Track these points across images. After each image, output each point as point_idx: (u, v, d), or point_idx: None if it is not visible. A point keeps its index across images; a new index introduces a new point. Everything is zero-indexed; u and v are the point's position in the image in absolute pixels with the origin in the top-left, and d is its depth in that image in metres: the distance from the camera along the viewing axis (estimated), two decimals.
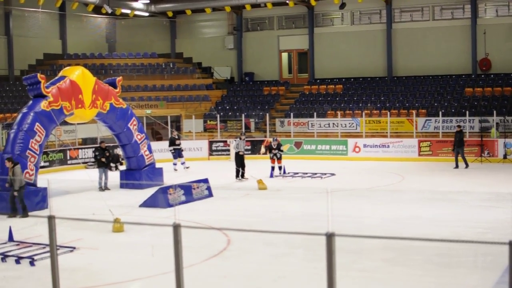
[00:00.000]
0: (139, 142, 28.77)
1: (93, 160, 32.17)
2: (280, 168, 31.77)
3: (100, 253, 16.25)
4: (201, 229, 18.51)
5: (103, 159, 28.16)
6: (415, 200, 23.76)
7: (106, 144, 29.46)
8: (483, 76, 45.94)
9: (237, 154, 30.60)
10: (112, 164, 31.93)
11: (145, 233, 17.98)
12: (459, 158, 33.81)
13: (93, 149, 30.17)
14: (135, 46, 54.88)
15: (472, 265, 14.32)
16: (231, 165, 31.49)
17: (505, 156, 36.14)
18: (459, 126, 35.22)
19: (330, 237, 6.92)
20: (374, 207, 22.50)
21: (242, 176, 30.07)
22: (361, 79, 48.76)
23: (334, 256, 6.97)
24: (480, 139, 36.41)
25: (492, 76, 45.59)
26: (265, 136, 40.98)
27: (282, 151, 32.34)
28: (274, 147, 31.76)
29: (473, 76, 46.04)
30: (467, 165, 33.55)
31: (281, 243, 16.45)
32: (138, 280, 13.96)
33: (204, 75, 52.90)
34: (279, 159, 31.74)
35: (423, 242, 15.85)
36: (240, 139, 31.06)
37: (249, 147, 40.55)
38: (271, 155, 31.75)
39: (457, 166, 33.61)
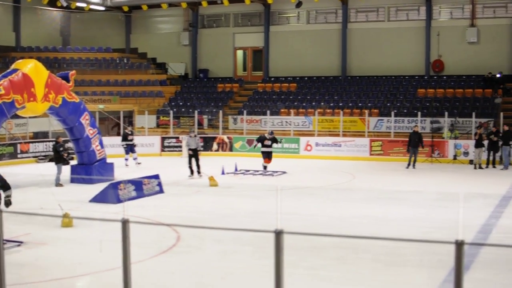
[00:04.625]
0: (90, 137, 28.58)
1: (49, 154, 31.87)
2: (265, 167, 31.80)
3: (48, 248, 16.12)
4: (151, 225, 18.47)
5: (65, 155, 27.94)
6: (365, 199, 23.94)
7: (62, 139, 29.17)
8: (435, 77, 46.45)
9: (190, 150, 30.41)
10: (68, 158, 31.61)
11: (94, 229, 17.87)
12: (412, 158, 34.17)
13: (53, 143, 29.80)
14: (89, 40, 54.52)
15: (420, 264, 14.45)
16: (183, 161, 31.44)
17: (455, 157, 36.57)
18: (416, 127, 35.51)
19: (278, 234, 6.95)
20: (324, 205, 22.64)
21: (199, 173, 29.94)
22: (315, 78, 48.98)
23: (282, 254, 7.01)
24: (431, 139, 36.75)
25: (444, 77, 46.11)
26: (218, 133, 41.02)
27: (279, 142, 32.58)
28: (268, 138, 31.83)
29: (426, 77, 46.51)
30: (414, 166, 33.89)
31: (230, 240, 16.47)
32: (86, 275, 13.88)
33: (159, 70, 52.79)
34: (270, 158, 31.71)
35: (371, 240, 16.01)
36: (190, 136, 30.95)
37: (202, 144, 40.50)
38: (266, 150, 31.78)
39: (409, 166, 33.93)
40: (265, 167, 31.94)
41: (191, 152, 30.10)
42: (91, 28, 55.52)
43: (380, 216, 20.32)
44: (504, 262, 14.57)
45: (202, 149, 31.62)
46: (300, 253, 14.80)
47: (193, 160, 30.03)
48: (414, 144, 34.17)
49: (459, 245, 6.35)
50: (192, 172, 29.96)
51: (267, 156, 32.02)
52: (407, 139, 35.34)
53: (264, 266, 13.62)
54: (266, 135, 32.46)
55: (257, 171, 32.10)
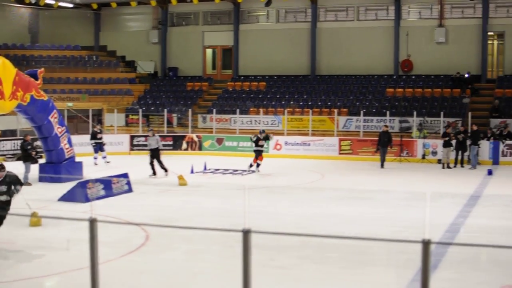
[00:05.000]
0: (59, 135, 28.40)
1: (17, 153, 31.63)
2: (258, 165, 31.83)
3: (16, 247, 16.03)
4: (119, 224, 18.41)
5: (33, 153, 27.75)
6: (333, 198, 24.01)
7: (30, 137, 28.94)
8: (404, 77, 46.71)
9: (150, 151, 30.20)
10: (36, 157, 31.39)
11: (63, 228, 17.78)
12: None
13: (21, 142, 29.54)
14: (58, 38, 54.19)
15: (388, 263, 14.53)
16: (162, 161, 31.22)
17: (423, 156, 36.79)
18: (386, 126, 35.66)
19: (246, 233, 6.95)
20: (293, 204, 22.69)
21: (166, 171, 29.80)
22: (284, 77, 49.05)
23: (249, 253, 7.01)
24: (400, 139, 36.92)
25: (413, 77, 46.41)
26: (187, 132, 40.98)
27: (270, 139, 32.59)
28: (262, 138, 31.82)
29: (394, 77, 46.77)
30: (382, 166, 34.08)
31: (199, 239, 16.46)
32: (54, 275, 13.81)
33: (128, 69, 52.65)
34: (261, 156, 31.78)
35: (339, 239, 16.07)
36: (149, 136, 30.79)
37: (171, 142, 40.48)
38: (259, 149, 31.75)
39: (383, 165, 34.13)
40: (258, 165, 31.83)
41: (151, 153, 29.93)
42: (60, 26, 55.17)
43: (348, 215, 20.39)
44: (472, 261, 14.69)
45: (162, 147, 31.46)
46: (269, 252, 14.83)
47: (155, 160, 29.88)
48: (383, 143, 34.33)
49: (426, 244, 6.40)
50: (154, 172, 29.77)
51: (260, 154, 31.95)
52: (377, 138, 35.51)
53: (232, 265, 13.59)
54: (258, 135, 32.41)
55: (227, 170, 32.11)
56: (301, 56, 49.53)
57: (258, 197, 23.71)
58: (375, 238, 16.07)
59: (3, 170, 15.65)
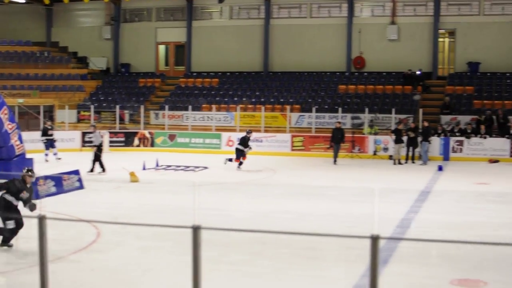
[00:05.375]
0: (9, 131, 28.02)
1: None
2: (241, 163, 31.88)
3: None
4: (70, 221, 18.25)
5: None
6: (285, 194, 24.08)
7: None
8: (356, 74, 46.96)
9: (94, 147, 29.99)
10: None
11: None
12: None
13: None
14: (9, 33, 53.55)
15: (339, 258, 14.59)
16: (104, 157, 31.00)
17: (375, 153, 37.05)
18: (339, 123, 35.81)
19: (196, 230, 6.93)
20: (244, 200, 22.70)
21: (103, 169, 29.50)
22: (237, 73, 49.03)
23: (199, 249, 6.99)
24: (351, 135, 37.11)
25: (365, 74, 46.67)
26: (139, 128, 40.82)
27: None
28: (251, 138, 32.19)
29: (347, 74, 47.00)
30: (335, 162, 34.25)
31: (150, 236, 16.39)
32: (2, 273, 13.65)
33: (80, 65, 52.22)
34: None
35: (291, 235, 16.11)
36: (93, 132, 30.53)
37: (123, 139, 40.28)
38: (247, 149, 31.85)
39: (336, 162, 34.28)
40: (241, 163, 31.83)
41: (95, 149, 29.72)
42: (11, 21, 54.55)
43: (300, 211, 20.45)
44: (422, 255, 14.82)
45: (122, 144, 31.26)
46: (221, 249, 14.82)
47: (93, 156, 29.64)
48: (337, 140, 34.49)
49: (375, 239, 6.43)
50: (103, 169, 29.52)
51: (243, 154, 31.92)
52: (329, 134, 35.68)
53: (183, 262, 13.54)
54: (246, 135, 32.46)
55: (179, 166, 32.03)
56: (254, 52, 49.54)
57: (210, 194, 23.67)
58: (325, 233, 16.17)
59: (33, 175, 15.74)
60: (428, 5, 46.57)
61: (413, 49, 46.48)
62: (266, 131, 40.05)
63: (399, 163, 34.63)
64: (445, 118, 39.83)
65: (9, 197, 15.37)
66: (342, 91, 44.92)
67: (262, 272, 13.64)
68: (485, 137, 36.50)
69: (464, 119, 39.17)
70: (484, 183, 27.53)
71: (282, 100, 44.30)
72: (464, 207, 21.87)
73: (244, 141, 32.12)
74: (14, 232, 15.07)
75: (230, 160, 32.23)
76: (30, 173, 15.80)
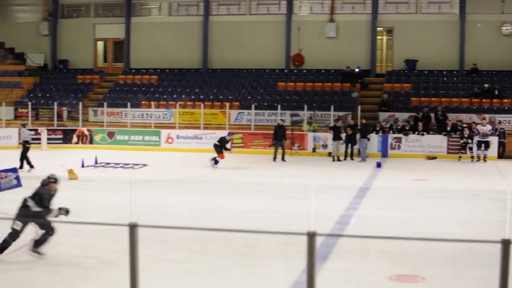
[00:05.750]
0: None
1: None
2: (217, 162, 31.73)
3: None
4: (7, 219, 17.97)
5: None
6: (225, 191, 24.05)
7: None
8: (295, 71, 47.14)
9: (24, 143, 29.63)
10: None
11: None
12: (279, 150, 34.54)
13: None
14: None
15: (279, 255, 14.61)
16: (42, 154, 30.66)
17: (314, 150, 37.24)
18: (281, 120, 35.89)
19: (132, 227, 6.87)
20: (184, 197, 22.61)
21: (31, 167, 29.10)
22: (176, 70, 48.90)
23: (136, 247, 6.93)
24: (291, 132, 37.22)
25: (304, 71, 46.87)
26: (78, 126, 40.43)
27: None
28: (228, 139, 32.23)
29: (286, 71, 47.17)
30: (283, 159, 34.27)
31: (89, 233, 16.23)
32: None
33: (17, 61, 51.55)
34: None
35: (231, 232, 16.08)
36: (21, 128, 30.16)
37: (61, 136, 39.88)
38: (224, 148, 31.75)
39: (275, 159, 34.29)
40: (217, 162, 31.64)
41: (27, 145, 29.36)
42: None
43: (240, 208, 20.45)
44: (361, 252, 14.91)
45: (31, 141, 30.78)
46: (161, 246, 14.73)
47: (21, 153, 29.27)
48: (279, 137, 34.56)
49: (311, 236, 6.44)
50: (31, 165, 29.10)
51: (222, 151, 31.80)
52: (268, 132, 35.78)
53: (122, 259, 13.47)
54: (226, 137, 32.31)
55: (118, 164, 31.81)
56: (193, 49, 49.42)
57: (149, 191, 23.57)
58: (264, 230, 16.18)
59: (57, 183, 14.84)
60: (366, 3, 47.00)
61: (351, 46, 46.85)
62: (205, 128, 40.02)
63: (338, 160, 34.86)
64: (383, 115, 40.22)
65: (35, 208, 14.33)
66: (281, 88, 45.07)
67: (202, 269, 13.58)
68: (422, 134, 36.95)
69: (402, 116, 39.61)
70: (422, 179, 27.84)
71: (221, 97, 44.29)
72: (402, 203, 22.08)
73: (222, 142, 31.95)
74: (46, 238, 14.30)
75: (214, 159, 31.88)
76: (53, 179, 14.77)
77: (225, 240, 15.61)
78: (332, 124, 36.94)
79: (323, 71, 46.71)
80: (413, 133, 37.27)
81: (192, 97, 44.55)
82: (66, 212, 14.36)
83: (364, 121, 36.08)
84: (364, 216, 19.28)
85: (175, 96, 44.83)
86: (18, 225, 14.13)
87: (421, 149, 36.88)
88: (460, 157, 35.98)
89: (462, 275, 13.36)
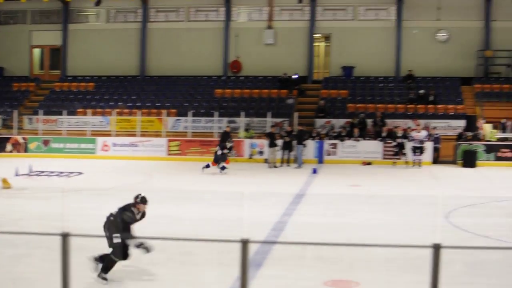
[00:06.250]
0: None
1: None
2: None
3: None
4: None
5: None
6: (161, 199, 23.89)
7: None
8: (233, 78, 47.19)
9: None
10: None
11: None
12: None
13: None
14: None
15: (214, 262, 14.58)
16: None
17: (250, 156, 37.34)
18: (228, 127, 35.86)
19: (65, 237, 6.81)
20: (119, 206, 22.39)
21: None
22: (113, 77, 48.62)
23: (68, 256, 6.87)
24: None
25: (242, 78, 46.93)
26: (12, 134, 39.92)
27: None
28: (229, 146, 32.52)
29: (223, 78, 47.20)
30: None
31: (22, 243, 16.01)
32: None
33: None
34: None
35: (167, 240, 16.02)
36: None
37: None
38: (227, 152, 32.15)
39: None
40: (224, 168, 31.95)
41: None
42: None
43: (176, 215, 20.38)
44: (296, 258, 14.96)
45: None
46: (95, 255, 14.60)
47: None
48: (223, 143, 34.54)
49: (244, 243, 6.46)
50: None
51: (224, 158, 32.15)
52: (206, 138, 35.81)
53: (55, 269, 13.30)
54: (227, 143, 32.33)
55: (53, 172, 31.47)
56: (131, 56, 49.21)
57: (85, 200, 23.37)
58: (198, 238, 16.16)
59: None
60: (304, 10, 47.31)
61: (289, 53, 47.13)
62: (142, 135, 39.85)
63: (274, 166, 34.98)
64: (320, 122, 40.52)
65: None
66: (218, 95, 45.11)
67: (136, 278, 13.51)
68: (358, 140, 37.29)
69: (338, 123, 39.99)
70: (357, 185, 28.09)
71: (158, 104, 44.16)
72: (338, 209, 22.23)
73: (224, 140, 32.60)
74: (115, 262, 13.17)
75: (222, 166, 32.02)
76: (143, 200, 13.80)
77: (161, 247, 15.51)
78: (268, 131, 37.07)
79: (260, 77, 46.88)
80: (349, 139, 37.60)
81: (129, 104, 44.33)
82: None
83: (300, 127, 36.28)
84: (300, 222, 19.36)
85: (111, 103, 44.56)
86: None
87: (357, 155, 37.24)
88: (394, 162, 36.43)
89: (396, 280, 13.51)
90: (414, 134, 35.89)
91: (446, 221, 19.49)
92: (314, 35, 47.52)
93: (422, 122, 39.18)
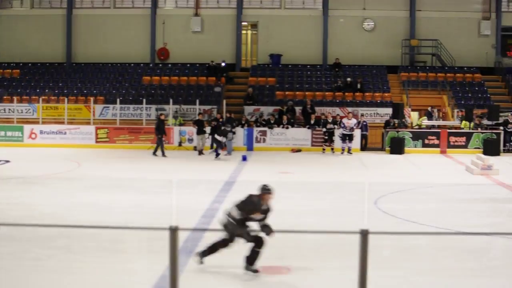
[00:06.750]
0: None
1: None
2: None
3: None
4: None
5: None
6: (90, 186, 23.75)
7: None
8: (161, 65, 47.00)
9: None
10: None
11: None
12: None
13: None
14: None
15: (146, 250, 14.57)
16: None
17: (180, 144, 37.24)
18: (162, 114, 35.59)
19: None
20: (48, 194, 22.20)
21: None
22: (39, 64, 47.86)
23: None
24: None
25: (169, 65, 46.77)
26: None
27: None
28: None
29: (151, 65, 46.98)
30: (164, 154, 33.96)
31: None
32: None
33: None
34: None
35: (96, 229, 15.94)
36: None
37: None
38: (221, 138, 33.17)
39: (156, 152, 33.97)
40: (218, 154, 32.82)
41: None
42: None
43: (106, 204, 20.26)
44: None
45: None
46: (25, 244, 14.45)
47: None
48: (161, 131, 34.32)
49: (173, 230, 6.49)
50: None
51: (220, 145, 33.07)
52: (134, 126, 35.62)
53: None
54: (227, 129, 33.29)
55: None
56: (57, 43, 48.56)
57: (13, 188, 23.08)
58: (127, 226, 16.10)
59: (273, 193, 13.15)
60: None
61: (217, 41, 47.15)
62: (69, 123, 39.40)
63: (202, 153, 34.95)
64: (248, 109, 40.64)
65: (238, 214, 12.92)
66: (146, 82, 44.89)
67: (68, 266, 13.42)
68: (287, 127, 37.50)
69: (267, 110, 40.17)
70: (287, 172, 28.28)
71: (85, 91, 43.72)
72: None
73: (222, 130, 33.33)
74: (256, 252, 12.87)
75: (216, 151, 33.02)
76: (269, 191, 13.17)
77: (91, 236, 15.45)
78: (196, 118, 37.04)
79: (188, 65, 46.76)
80: (278, 126, 37.79)
81: (56, 91, 43.78)
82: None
83: (229, 114, 36.32)
84: None
85: (38, 90, 43.95)
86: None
87: (286, 142, 37.45)
88: (324, 149, 36.72)
89: (326, 265, 13.68)
90: (345, 121, 36.19)
91: (375, 207, 19.78)
92: (242, 23, 47.60)
93: (349, 109, 39.60)
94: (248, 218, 12.87)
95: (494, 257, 14.44)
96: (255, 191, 13.13)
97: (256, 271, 12.88)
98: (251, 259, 12.86)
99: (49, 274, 12.97)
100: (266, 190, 13.01)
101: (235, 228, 12.67)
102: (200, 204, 19.82)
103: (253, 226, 13.07)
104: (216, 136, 33.27)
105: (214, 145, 35.37)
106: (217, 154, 32.86)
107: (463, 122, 38.70)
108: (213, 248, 13.18)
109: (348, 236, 14.67)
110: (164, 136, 34.24)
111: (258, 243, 12.77)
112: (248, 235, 12.71)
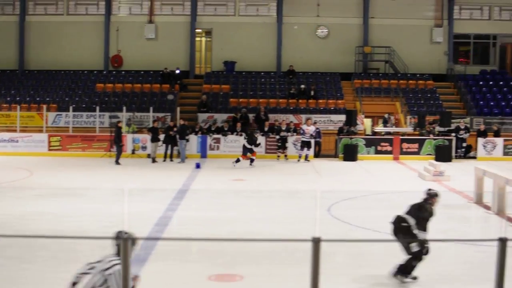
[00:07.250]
0: None
1: None
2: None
3: None
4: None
5: None
6: (43, 195, 23.58)
7: None
8: (114, 72, 46.83)
9: None
10: None
11: None
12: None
13: None
14: None
15: (98, 259, 14.51)
16: None
17: (133, 151, 37.10)
18: (120, 122, 35.34)
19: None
20: (1, 204, 22.01)
21: None
22: None
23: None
24: (109, 134, 36.82)
25: (123, 72, 46.62)
26: None
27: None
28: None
29: (105, 72, 46.79)
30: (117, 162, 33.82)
31: None
32: None
33: None
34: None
35: (49, 238, 15.84)
36: None
37: None
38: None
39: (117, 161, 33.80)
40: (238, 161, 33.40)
41: None
42: None
43: (58, 212, 20.14)
44: (180, 253, 15.06)
45: None
46: None
47: None
48: (120, 139, 34.11)
49: (125, 240, 6.51)
50: None
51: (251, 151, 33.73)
52: (87, 134, 35.42)
53: None
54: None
55: None
56: (9, 50, 48.07)
57: None
58: (80, 236, 16.02)
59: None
60: (185, 4, 47.42)
61: (171, 48, 47.10)
62: (22, 131, 39.00)
63: (155, 161, 34.86)
64: (202, 116, 40.63)
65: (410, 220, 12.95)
66: (99, 89, 44.67)
67: (20, 276, 13.33)
68: (241, 135, 37.53)
69: (221, 117, 40.21)
70: (241, 179, 28.34)
71: (38, 99, 43.34)
72: (221, 203, 22.43)
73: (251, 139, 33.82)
74: (418, 258, 12.77)
75: (238, 161, 33.35)
76: (438, 194, 13.24)
77: (44, 246, 15.36)
78: (150, 126, 36.94)
79: (142, 72, 46.65)
80: (232, 133, 37.83)
81: (8, 99, 43.36)
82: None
83: (182, 122, 36.30)
84: (184, 217, 19.45)
85: None
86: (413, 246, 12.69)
87: (240, 149, 37.39)
88: (278, 156, 36.85)
89: (279, 273, 13.76)
90: (305, 127, 36.26)
91: (328, 214, 19.91)
92: (196, 30, 47.62)
93: (303, 116, 39.80)
94: (424, 226, 12.82)
95: (446, 263, 14.61)
96: (418, 198, 13.22)
97: (403, 281, 12.89)
98: (404, 268, 12.84)
99: (0, 284, 12.87)
100: (435, 195, 13.12)
101: (412, 237, 12.72)
102: (153, 212, 19.80)
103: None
104: (246, 144, 33.75)
105: (168, 153, 35.36)
106: (237, 160, 33.57)
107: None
108: (413, 265, 12.85)
109: (300, 244, 14.83)
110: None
111: (419, 255, 12.78)
112: (409, 249, 12.75)
